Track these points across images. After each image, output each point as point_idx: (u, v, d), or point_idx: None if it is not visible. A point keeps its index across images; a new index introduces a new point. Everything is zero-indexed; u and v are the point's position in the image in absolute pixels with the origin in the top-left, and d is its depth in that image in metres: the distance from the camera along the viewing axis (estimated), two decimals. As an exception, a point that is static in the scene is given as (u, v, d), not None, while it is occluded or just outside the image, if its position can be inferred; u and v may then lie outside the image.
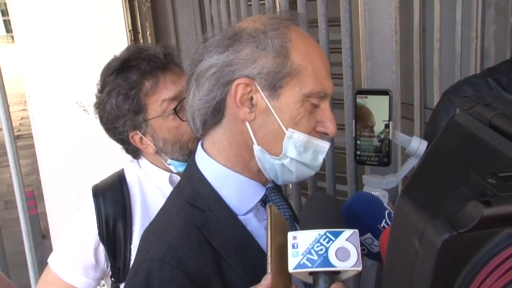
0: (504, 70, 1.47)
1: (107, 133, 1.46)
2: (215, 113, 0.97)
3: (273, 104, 0.93)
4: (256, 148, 0.96)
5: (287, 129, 0.94)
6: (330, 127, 0.97)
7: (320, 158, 0.99)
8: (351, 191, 1.96)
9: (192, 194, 1.00)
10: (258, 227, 1.00)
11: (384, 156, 1.15)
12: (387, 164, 1.15)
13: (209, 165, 1.01)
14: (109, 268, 1.46)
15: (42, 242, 4.36)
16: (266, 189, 1.03)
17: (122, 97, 1.35)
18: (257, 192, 1.02)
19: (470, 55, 2.38)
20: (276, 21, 0.96)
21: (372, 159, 1.17)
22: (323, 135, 0.99)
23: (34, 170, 6.16)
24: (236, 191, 1.00)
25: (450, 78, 2.36)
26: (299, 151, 0.95)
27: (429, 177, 0.56)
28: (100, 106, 1.41)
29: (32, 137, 2.34)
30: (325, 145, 0.98)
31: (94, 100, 1.45)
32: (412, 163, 1.15)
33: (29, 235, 2.45)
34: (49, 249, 2.98)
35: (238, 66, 0.93)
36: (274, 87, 0.93)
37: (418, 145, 1.12)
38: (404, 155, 1.27)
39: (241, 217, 0.99)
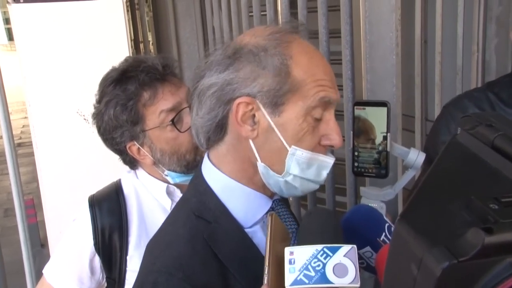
0: (504, 84, 1.46)
1: (104, 143, 1.45)
2: (218, 130, 0.96)
3: (275, 121, 0.93)
4: (260, 164, 0.95)
5: (290, 146, 0.93)
6: (335, 139, 0.96)
7: (324, 174, 0.97)
8: (350, 203, 1.95)
9: (198, 205, 0.99)
10: (264, 240, 0.99)
11: (382, 168, 1.14)
12: (385, 176, 1.14)
13: (215, 177, 1.00)
14: (104, 279, 1.44)
15: (41, 251, 4.34)
16: (273, 202, 1.02)
17: (120, 107, 1.35)
18: (264, 204, 1.01)
19: (472, 68, 2.39)
20: (277, 36, 0.95)
21: (370, 170, 1.16)
22: (328, 148, 0.98)
23: (35, 178, 6.12)
24: (242, 203, 0.99)
25: (451, 91, 2.37)
26: (301, 168, 0.94)
27: (429, 200, 0.55)
28: (98, 117, 1.41)
29: (30, 145, 2.34)
30: (330, 161, 0.97)
31: (92, 107, 1.45)
32: (410, 175, 1.14)
33: (28, 243, 2.45)
34: (48, 258, 2.97)
35: (238, 85, 0.92)
36: (275, 104, 0.92)
37: (416, 157, 1.11)
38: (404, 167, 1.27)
39: (247, 230, 0.98)
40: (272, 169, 0.95)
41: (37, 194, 5.45)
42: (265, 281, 0.80)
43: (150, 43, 3.93)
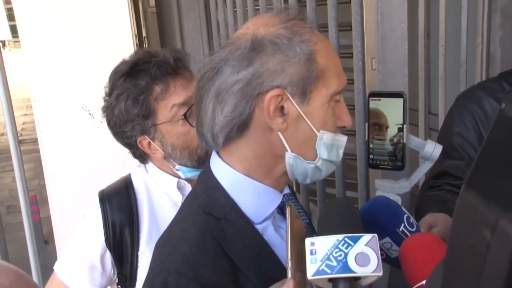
0: None
1: (114, 137, 1.44)
2: (242, 127, 0.94)
3: (304, 110, 0.92)
4: (290, 156, 0.95)
5: (318, 132, 0.94)
6: (346, 119, 0.98)
7: (341, 153, 0.99)
8: (361, 196, 1.94)
9: (208, 201, 0.97)
10: (275, 236, 0.98)
11: (398, 160, 1.14)
12: (401, 168, 1.14)
13: (225, 172, 0.98)
14: (115, 275, 1.44)
15: (45, 247, 4.34)
16: (283, 196, 1.02)
17: (131, 101, 1.34)
18: (274, 199, 1.00)
19: (476, 61, 2.38)
20: (293, 23, 0.94)
21: (386, 163, 1.16)
22: (342, 130, 1.00)
23: (36, 175, 6.14)
24: (252, 198, 0.97)
25: (455, 84, 2.37)
26: (328, 151, 0.95)
27: (491, 168, 0.56)
28: (108, 110, 1.39)
29: (34, 142, 2.34)
30: (344, 139, 0.99)
31: (100, 103, 1.43)
32: (427, 167, 1.14)
33: (33, 240, 2.44)
34: (52, 254, 2.96)
35: (266, 78, 0.90)
36: (305, 93, 0.92)
37: (433, 149, 1.11)
38: (413, 159, 1.26)
39: (257, 226, 0.97)
40: (304, 158, 0.95)
41: (39, 191, 5.47)
42: (289, 274, 0.78)
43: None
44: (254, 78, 0.90)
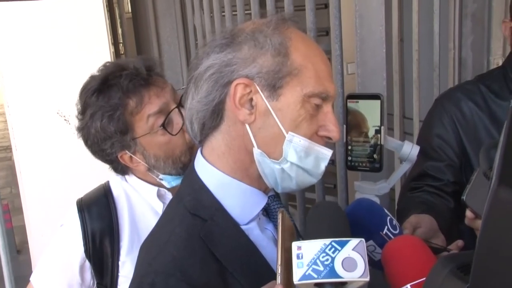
0: (495, 76, 1.50)
1: (94, 155, 1.40)
2: (214, 116, 0.95)
3: (273, 105, 0.91)
4: (256, 151, 0.94)
5: (287, 132, 0.92)
6: (333, 130, 0.95)
7: (322, 166, 0.96)
8: (341, 199, 1.96)
9: (194, 203, 0.97)
10: (261, 237, 0.98)
11: (376, 162, 1.15)
12: (379, 170, 1.15)
13: (209, 173, 0.98)
14: (95, 286, 1.41)
15: (17, 257, 4.24)
16: (268, 198, 1.01)
17: (107, 119, 1.30)
18: (259, 200, 1.00)
19: (448, 64, 2.43)
20: (274, 20, 0.95)
21: (364, 164, 1.17)
22: (326, 140, 0.97)
23: (8, 183, 6.01)
24: (238, 200, 0.97)
25: (429, 88, 2.41)
26: (299, 156, 0.93)
27: None
28: (84, 130, 1.36)
29: (5, 149, 2.29)
30: (327, 152, 0.96)
31: (75, 114, 1.39)
32: (405, 168, 1.15)
33: (7, 249, 2.38)
34: (24, 264, 2.89)
35: (237, 66, 0.91)
36: (274, 87, 0.91)
37: (410, 150, 1.13)
38: (390, 161, 1.28)
39: (243, 227, 0.97)
40: (269, 156, 0.94)
41: (11, 199, 5.34)
42: (279, 280, 0.78)
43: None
44: (225, 65, 0.92)
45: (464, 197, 0.99)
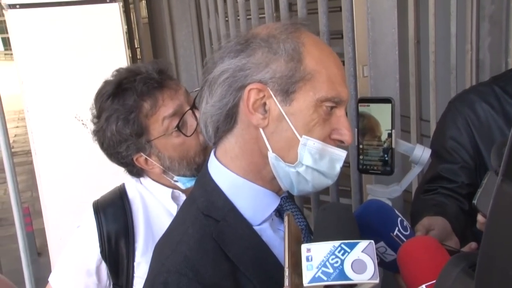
0: (510, 78, 1.48)
1: (109, 158, 1.42)
2: (228, 120, 0.96)
3: (286, 110, 0.92)
4: (271, 155, 0.94)
5: (301, 136, 0.92)
6: (346, 134, 0.95)
7: (338, 167, 0.96)
8: (355, 202, 1.95)
9: (207, 204, 0.98)
10: (273, 238, 0.99)
11: (387, 165, 1.15)
12: (391, 173, 1.15)
13: (223, 175, 0.99)
14: (111, 286, 1.43)
15: (38, 260, 4.30)
16: (281, 199, 1.02)
17: (122, 122, 1.32)
18: (272, 201, 1.00)
19: (466, 67, 2.41)
20: (288, 25, 0.96)
21: (375, 168, 1.17)
22: (338, 143, 0.97)
23: (29, 187, 6.10)
24: (251, 201, 0.98)
25: (445, 90, 2.39)
26: (314, 159, 0.93)
27: None
28: (100, 133, 1.38)
29: (26, 154, 2.34)
30: (342, 153, 0.96)
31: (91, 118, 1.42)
32: (416, 171, 1.15)
33: (27, 252, 2.43)
34: (45, 266, 2.94)
35: (250, 71, 0.92)
36: (287, 92, 0.92)
37: (422, 153, 1.12)
38: (404, 164, 1.27)
39: (256, 227, 0.97)
40: (284, 160, 0.94)
41: (32, 203, 5.43)
42: (287, 283, 0.78)
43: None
44: (239, 70, 0.93)
45: (475, 201, 0.98)
